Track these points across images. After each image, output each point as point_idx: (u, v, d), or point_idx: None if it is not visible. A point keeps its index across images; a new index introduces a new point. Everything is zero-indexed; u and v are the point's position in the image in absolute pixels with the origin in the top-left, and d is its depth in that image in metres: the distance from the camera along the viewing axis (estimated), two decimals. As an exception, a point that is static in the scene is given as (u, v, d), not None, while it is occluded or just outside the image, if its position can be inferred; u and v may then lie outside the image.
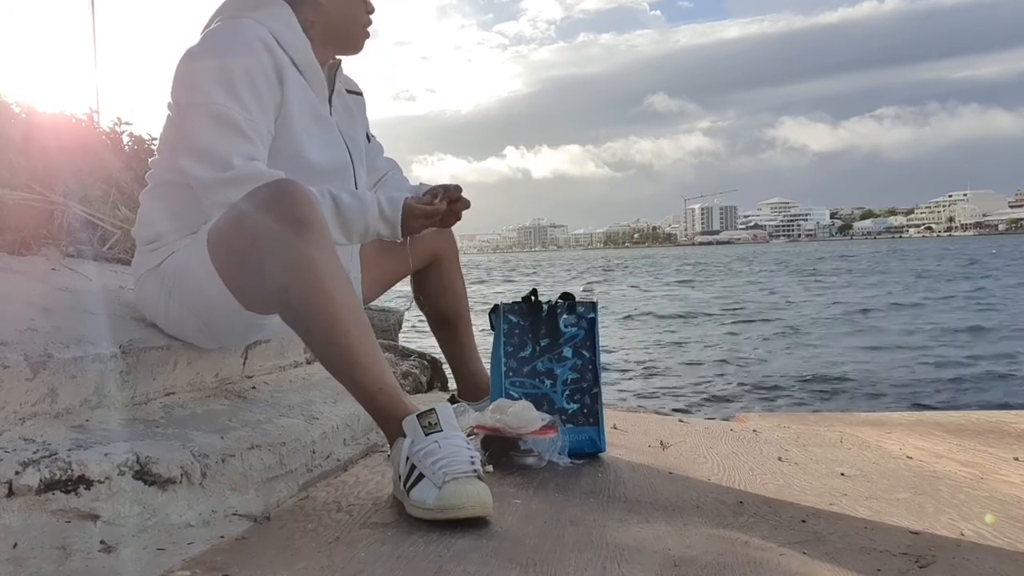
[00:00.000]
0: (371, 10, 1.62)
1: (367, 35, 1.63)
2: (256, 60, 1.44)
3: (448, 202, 1.59)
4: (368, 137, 1.82)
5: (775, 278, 29.04)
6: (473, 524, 1.20)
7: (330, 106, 1.62)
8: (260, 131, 1.43)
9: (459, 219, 1.65)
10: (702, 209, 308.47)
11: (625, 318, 14.75)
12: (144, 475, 1.17)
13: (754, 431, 2.24)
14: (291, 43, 1.51)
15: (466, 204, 1.61)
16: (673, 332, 12.54)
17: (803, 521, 1.32)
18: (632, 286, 26.98)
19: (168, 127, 1.53)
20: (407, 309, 3.51)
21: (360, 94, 1.80)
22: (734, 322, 13.55)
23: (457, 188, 1.61)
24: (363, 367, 1.28)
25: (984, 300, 16.53)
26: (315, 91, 1.57)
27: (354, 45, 1.64)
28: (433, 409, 1.27)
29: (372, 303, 2.26)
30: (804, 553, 1.15)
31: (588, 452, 1.75)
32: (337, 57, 1.68)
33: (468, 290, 2.11)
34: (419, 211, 1.53)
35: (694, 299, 19.58)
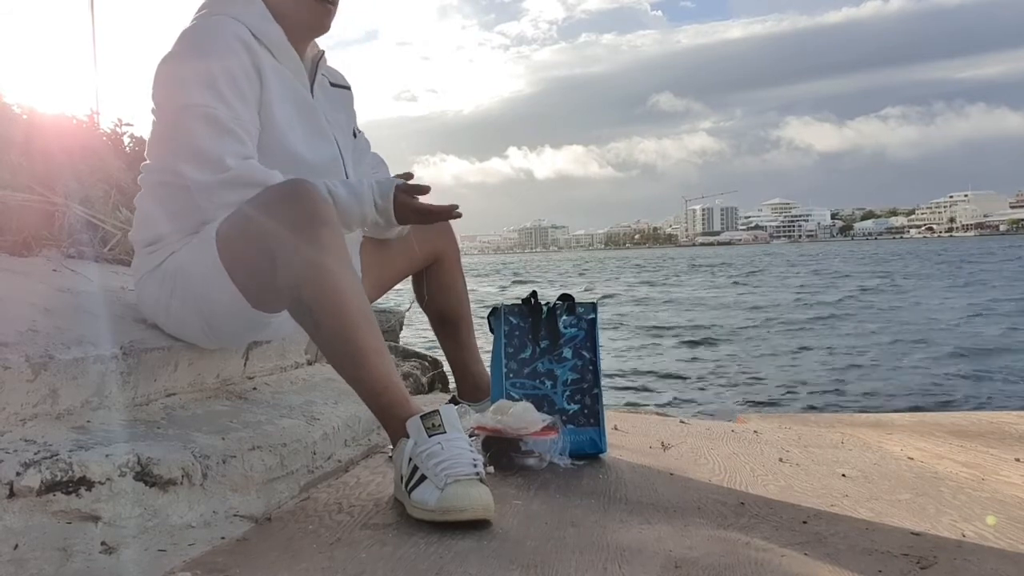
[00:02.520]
0: None
1: (326, 11, 1.59)
2: (235, 58, 1.45)
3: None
4: (354, 133, 1.82)
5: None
6: (474, 525, 1.20)
7: (312, 94, 1.62)
8: (248, 128, 1.45)
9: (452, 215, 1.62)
10: (703, 210, 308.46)
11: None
12: (145, 476, 1.17)
13: (755, 432, 2.24)
14: (266, 33, 1.52)
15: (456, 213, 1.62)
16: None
17: (804, 522, 1.32)
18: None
19: (156, 131, 1.53)
20: (407, 310, 3.51)
21: (348, 88, 1.80)
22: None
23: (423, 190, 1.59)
24: (371, 365, 1.29)
25: None
26: (295, 76, 1.57)
27: (315, 24, 1.60)
28: (437, 410, 1.27)
29: (373, 304, 2.26)
30: (805, 554, 1.15)
31: (589, 453, 1.75)
32: (320, 48, 1.68)
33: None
34: (413, 205, 1.54)
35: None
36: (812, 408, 6.45)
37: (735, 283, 27.77)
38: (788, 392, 7.28)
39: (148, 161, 1.57)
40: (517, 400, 1.69)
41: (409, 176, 1.69)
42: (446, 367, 2.52)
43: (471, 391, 2.02)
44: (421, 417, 1.26)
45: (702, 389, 7.55)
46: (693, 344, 11.21)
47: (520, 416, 1.60)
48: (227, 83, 1.42)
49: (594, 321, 1.83)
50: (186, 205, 1.48)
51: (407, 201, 1.53)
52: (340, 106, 1.74)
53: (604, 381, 1.85)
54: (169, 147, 1.47)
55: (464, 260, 2.05)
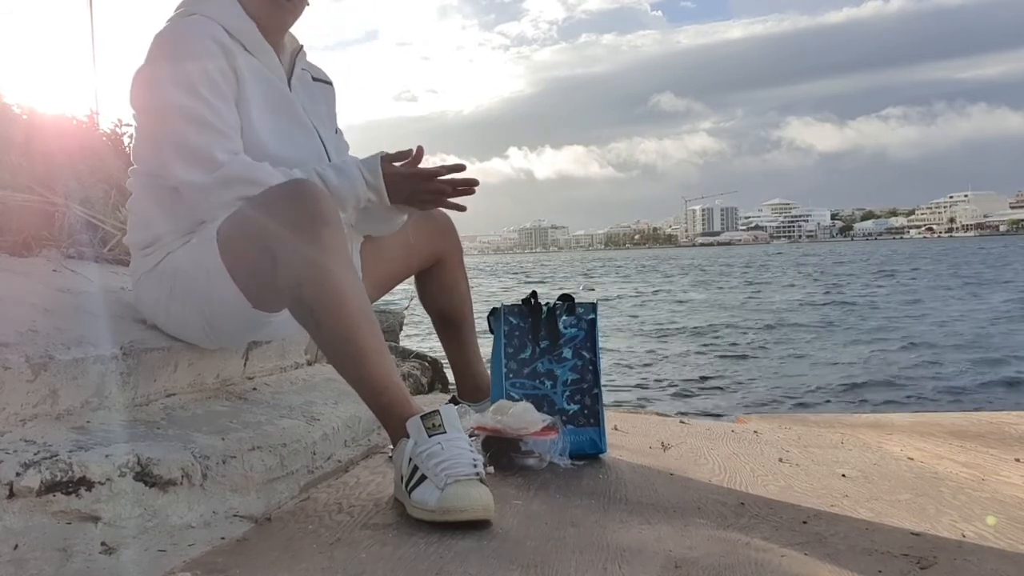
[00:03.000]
0: None
1: (279, 8, 1.57)
2: (211, 58, 1.46)
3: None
4: (335, 129, 1.81)
5: None
6: (474, 525, 1.20)
7: (289, 86, 1.63)
8: (232, 124, 1.46)
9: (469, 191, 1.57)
10: (703, 210, 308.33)
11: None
12: (145, 476, 1.17)
13: (755, 432, 2.24)
14: (239, 29, 1.53)
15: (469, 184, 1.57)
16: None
17: (804, 522, 1.32)
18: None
19: (141, 136, 1.54)
20: (406, 308, 3.51)
21: (329, 83, 1.80)
22: None
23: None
24: (372, 364, 1.29)
25: None
26: (270, 69, 1.57)
27: (275, 23, 1.58)
28: (437, 411, 1.27)
29: (373, 304, 2.26)
30: (805, 554, 1.15)
31: (589, 453, 1.75)
32: (300, 43, 1.69)
33: None
34: (403, 173, 1.52)
35: None
36: (812, 408, 6.45)
37: (746, 283, 27.69)
38: (788, 393, 7.28)
39: (136, 166, 1.57)
40: (517, 400, 1.69)
41: (421, 150, 1.57)
42: (447, 367, 2.52)
43: (471, 391, 2.02)
44: (421, 417, 1.26)
45: (703, 389, 7.55)
46: (694, 344, 11.22)
47: (520, 416, 1.60)
48: (206, 83, 1.44)
49: (594, 321, 1.83)
50: (180, 205, 1.48)
51: (396, 171, 1.52)
52: (321, 99, 1.74)
53: (604, 381, 1.85)
54: (157, 150, 1.48)
55: (465, 260, 2.05)
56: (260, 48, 1.56)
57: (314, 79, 1.73)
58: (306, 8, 1.62)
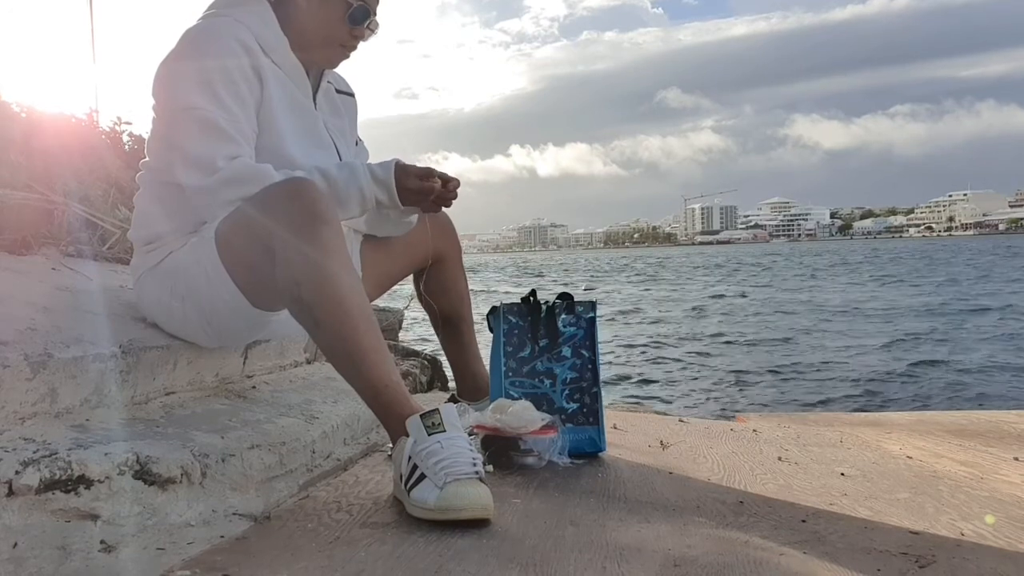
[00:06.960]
0: (356, 35, 1.59)
1: (344, 55, 1.62)
2: (233, 59, 1.45)
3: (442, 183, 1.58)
4: (355, 141, 1.82)
5: None
6: (473, 524, 1.20)
7: (315, 103, 1.63)
8: (243, 130, 1.45)
9: (452, 198, 1.61)
10: (702, 209, 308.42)
11: None
12: (144, 475, 1.17)
13: (754, 431, 2.24)
14: (269, 41, 1.52)
15: (456, 184, 1.60)
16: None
17: (803, 521, 1.32)
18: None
19: (155, 129, 1.54)
20: (406, 307, 3.51)
21: (352, 95, 1.80)
22: None
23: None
24: (371, 363, 1.29)
25: None
26: (297, 86, 1.58)
27: (326, 60, 1.63)
28: (437, 409, 1.27)
29: (373, 303, 2.26)
30: (804, 553, 1.15)
31: (588, 452, 1.75)
32: None
33: None
34: (412, 169, 1.53)
35: None
36: (811, 407, 6.45)
37: (746, 282, 27.36)
38: (788, 392, 7.28)
39: (147, 159, 1.57)
40: (516, 399, 1.69)
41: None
42: (446, 366, 2.52)
43: (471, 390, 2.02)
44: (421, 416, 1.26)
45: (702, 388, 7.55)
46: (695, 344, 11.22)
47: (519, 415, 1.60)
48: (224, 85, 1.43)
49: (593, 320, 1.83)
50: (185, 204, 1.48)
51: (407, 167, 1.53)
52: (344, 113, 1.74)
53: (603, 380, 1.85)
54: (164, 149, 1.49)
55: (468, 259, 2.05)
56: (288, 61, 1.55)
57: (338, 91, 1.73)
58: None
